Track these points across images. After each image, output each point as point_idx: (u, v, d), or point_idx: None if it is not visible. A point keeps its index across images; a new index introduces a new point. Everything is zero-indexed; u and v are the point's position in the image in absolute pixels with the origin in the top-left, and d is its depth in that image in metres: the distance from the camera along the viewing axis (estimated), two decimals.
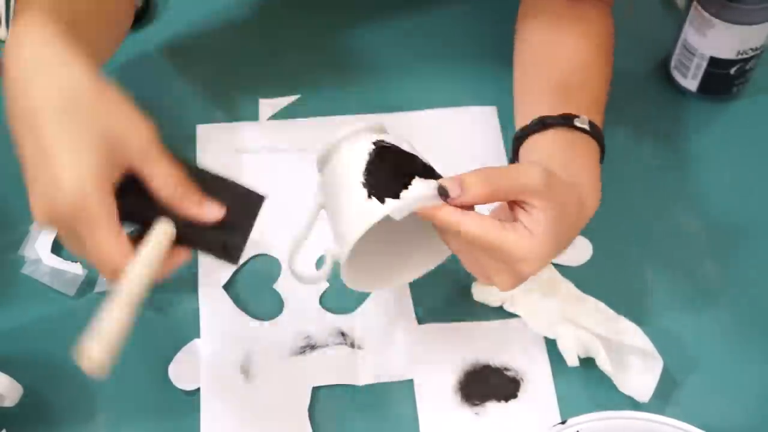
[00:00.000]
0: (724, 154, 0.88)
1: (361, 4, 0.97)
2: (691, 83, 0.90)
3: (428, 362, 0.75)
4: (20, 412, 0.70)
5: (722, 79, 0.88)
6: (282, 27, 0.95)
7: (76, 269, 0.79)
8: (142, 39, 0.94)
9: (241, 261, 0.78)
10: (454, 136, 0.87)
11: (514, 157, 0.74)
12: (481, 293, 0.77)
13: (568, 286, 0.77)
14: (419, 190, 0.61)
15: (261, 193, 0.67)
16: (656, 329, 0.76)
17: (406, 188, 0.61)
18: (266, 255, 0.81)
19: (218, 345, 0.75)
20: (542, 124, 0.71)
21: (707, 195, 0.85)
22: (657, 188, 0.86)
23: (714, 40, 0.85)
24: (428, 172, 0.63)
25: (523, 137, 0.72)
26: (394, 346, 0.76)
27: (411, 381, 0.74)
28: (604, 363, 0.73)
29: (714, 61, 0.87)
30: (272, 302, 0.78)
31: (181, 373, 0.74)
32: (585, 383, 0.74)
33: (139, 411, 0.73)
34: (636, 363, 0.74)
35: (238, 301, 0.78)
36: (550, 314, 0.75)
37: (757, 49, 0.86)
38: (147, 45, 0.93)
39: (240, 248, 0.66)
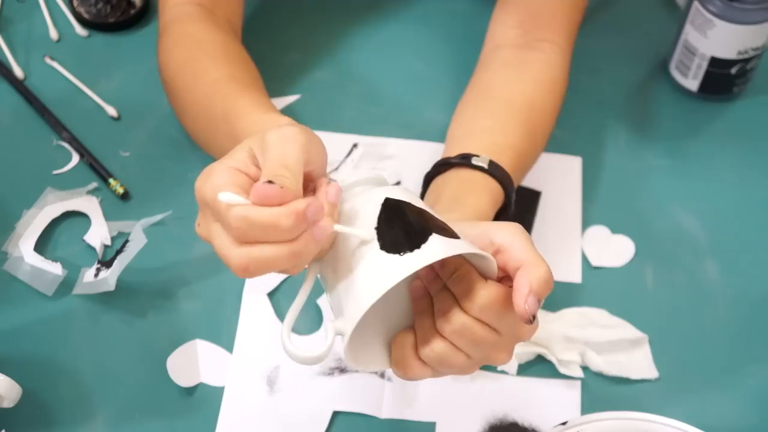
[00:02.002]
0: (725, 154, 0.88)
1: (363, 3, 0.97)
2: (691, 83, 0.90)
3: (454, 408, 0.73)
4: (19, 412, 0.70)
5: (723, 79, 0.88)
6: (282, 27, 0.95)
7: (56, 269, 0.77)
8: (143, 39, 0.94)
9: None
10: None
11: (422, 195, 0.73)
12: None
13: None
14: (439, 246, 0.53)
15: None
16: (656, 329, 0.77)
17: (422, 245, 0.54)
18: None
19: (250, 352, 0.75)
20: (444, 164, 0.72)
21: (707, 195, 0.85)
22: (657, 188, 0.86)
23: (715, 39, 0.85)
24: (445, 230, 0.55)
25: (429, 179, 0.73)
26: (424, 384, 0.74)
27: (433, 424, 0.73)
28: (602, 367, 0.74)
29: (715, 61, 0.87)
30: (311, 317, 0.77)
31: (178, 367, 0.74)
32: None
33: (138, 411, 0.73)
34: (627, 349, 0.75)
35: (278, 311, 0.77)
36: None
37: (757, 48, 0.86)
38: (147, 45, 0.93)
39: None
